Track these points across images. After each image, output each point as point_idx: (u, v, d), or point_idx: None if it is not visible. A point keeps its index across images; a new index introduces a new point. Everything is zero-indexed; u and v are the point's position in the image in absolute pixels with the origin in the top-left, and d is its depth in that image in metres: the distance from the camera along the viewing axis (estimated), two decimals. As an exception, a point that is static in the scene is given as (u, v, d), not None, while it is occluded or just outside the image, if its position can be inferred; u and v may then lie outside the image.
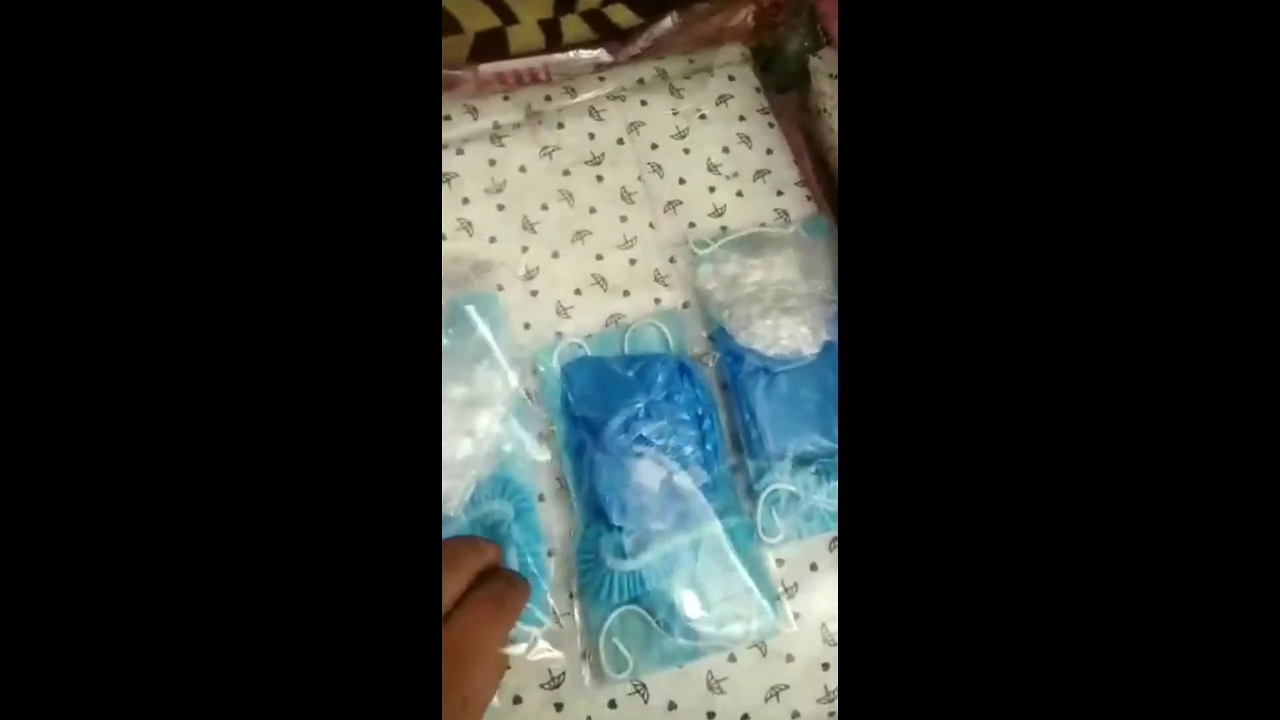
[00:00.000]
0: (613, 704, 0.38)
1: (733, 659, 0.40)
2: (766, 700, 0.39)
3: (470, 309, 0.43)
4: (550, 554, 0.41)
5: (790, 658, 0.40)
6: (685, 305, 0.46)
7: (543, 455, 0.42)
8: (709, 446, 0.41)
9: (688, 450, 0.40)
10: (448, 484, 0.40)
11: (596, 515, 0.40)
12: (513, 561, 0.38)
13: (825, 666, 0.40)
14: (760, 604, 0.39)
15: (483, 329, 0.42)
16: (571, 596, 0.40)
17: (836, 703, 0.40)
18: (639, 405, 0.41)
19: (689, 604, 0.38)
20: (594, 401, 0.41)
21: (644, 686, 0.39)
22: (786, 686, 0.40)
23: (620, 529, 0.39)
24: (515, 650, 0.38)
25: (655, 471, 0.40)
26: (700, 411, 0.42)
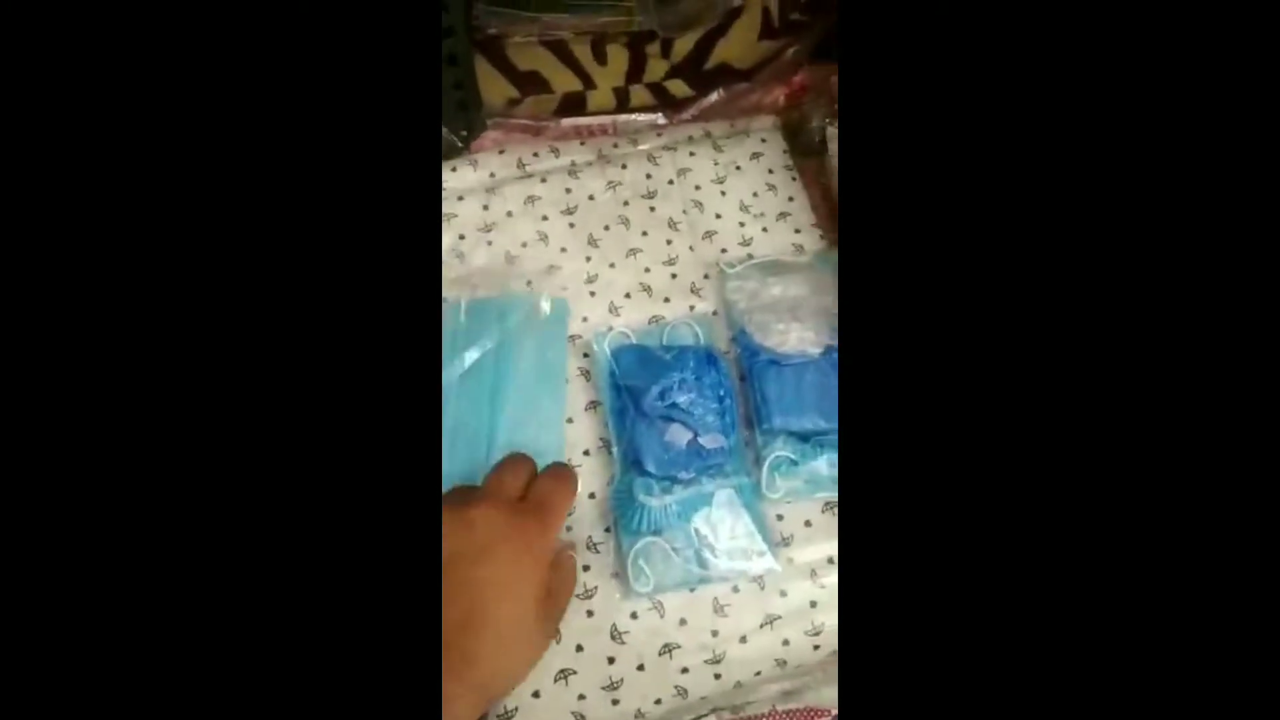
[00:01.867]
0: (634, 615, 0.47)
1: (736, 590, 0.48)
2: (761, 626, 0.47)
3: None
4: (591, 496, 0.50)
5: (784, 593, 0.48)
6: (715, 313, 0.56)
7: (588, 422, 0.52)
8: (727, 420, 0.51)
9: (710, 419, 0.50)
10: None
11: (633, 464, 0.50)
12: None
13: (813, 604, 0.48)
14: (761, 548, 0.48)
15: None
16: (608, 530, 0.49)
17: (821, 636, 0.48)
18: (675, 379, 0.50)
19: (703, 540, 0.47)
20: (636, 375, 0.51)
21: (661, 604, 0.47)
22: (779, 617, 0.48)
23: (652, 475, 0.49)
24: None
25: (683, 433, 0.49)
26: (722, 393, 0.52)
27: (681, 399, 0.50)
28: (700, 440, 0.49)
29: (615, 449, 0.51)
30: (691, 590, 0.47)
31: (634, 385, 0.51)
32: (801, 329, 0.54)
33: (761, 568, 0.48)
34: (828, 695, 0.51)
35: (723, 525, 0.48)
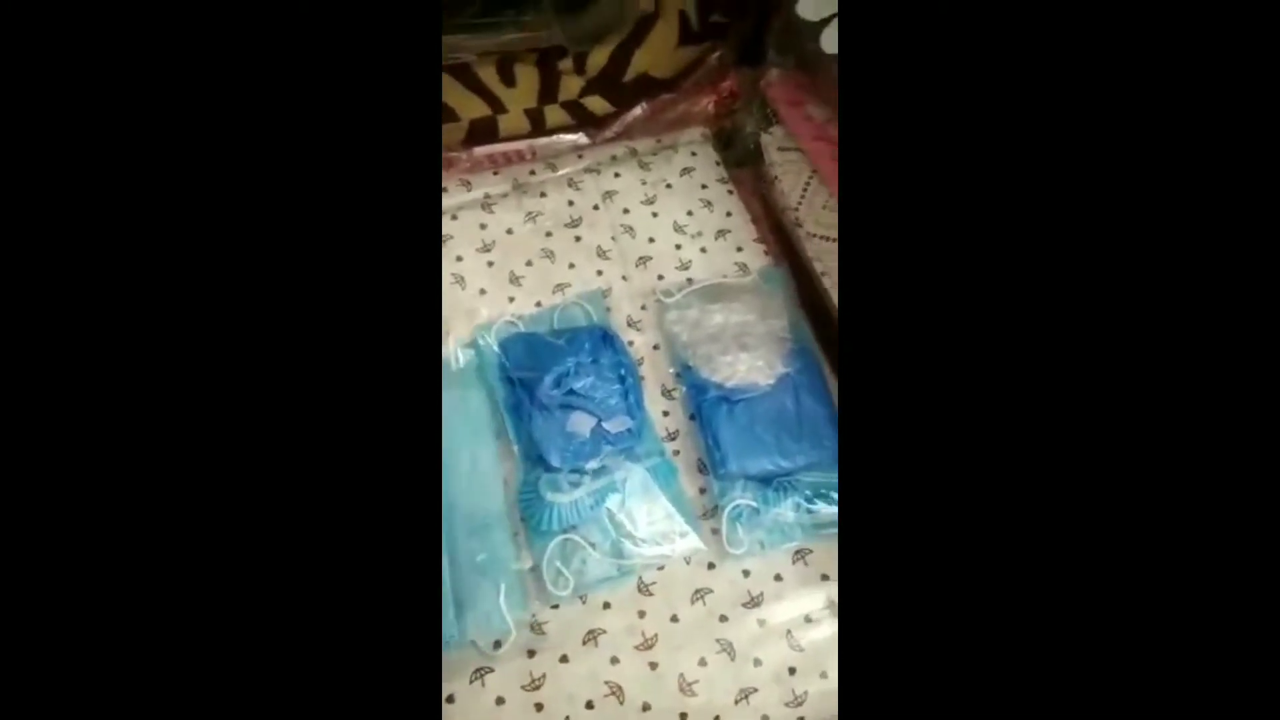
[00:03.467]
0: (590, 705, 0.41)
1: (703, 663, 0.42)
2: (736, 703, 0.42)
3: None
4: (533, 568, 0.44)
5: (758, 661, 0.43)
6: (656, 347, 0.51)
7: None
8: (631, 399, 0.46)
9: (613, 401, 0.46)
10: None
11: (537, 461, 0.45)
12: None
13: (792, 671, 0.43)
14: (683, 527, 0.44)
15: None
16: (555, 607, 0.43)
17: (804, 706, 0.42)
18: (569, 364, 0.46)
19: (620, 529, 0.43)
20: (528, 365, 0.47)
21: (620, 688, 0.41)
22: (755, 690, 0.42)
23: (558, 470, 0.44)
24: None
25: (586, 420, 0.45)
26: (623, 372, 0.47)
27: (579, 384, 0.46)
28: (605, 425, 0.45)
29: (515, 447, 0.46)
30: (616, 585, 0.43)
31: (526, 376, 0.46)
32: (751, 358, 0.48)
33: (687, 548, 0.44)
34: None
35: (639, 510, 0.44)
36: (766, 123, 0.57)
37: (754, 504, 0.45)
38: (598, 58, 0.57)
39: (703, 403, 0.47)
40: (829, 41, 0.47)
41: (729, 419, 0.47)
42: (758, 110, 0.60)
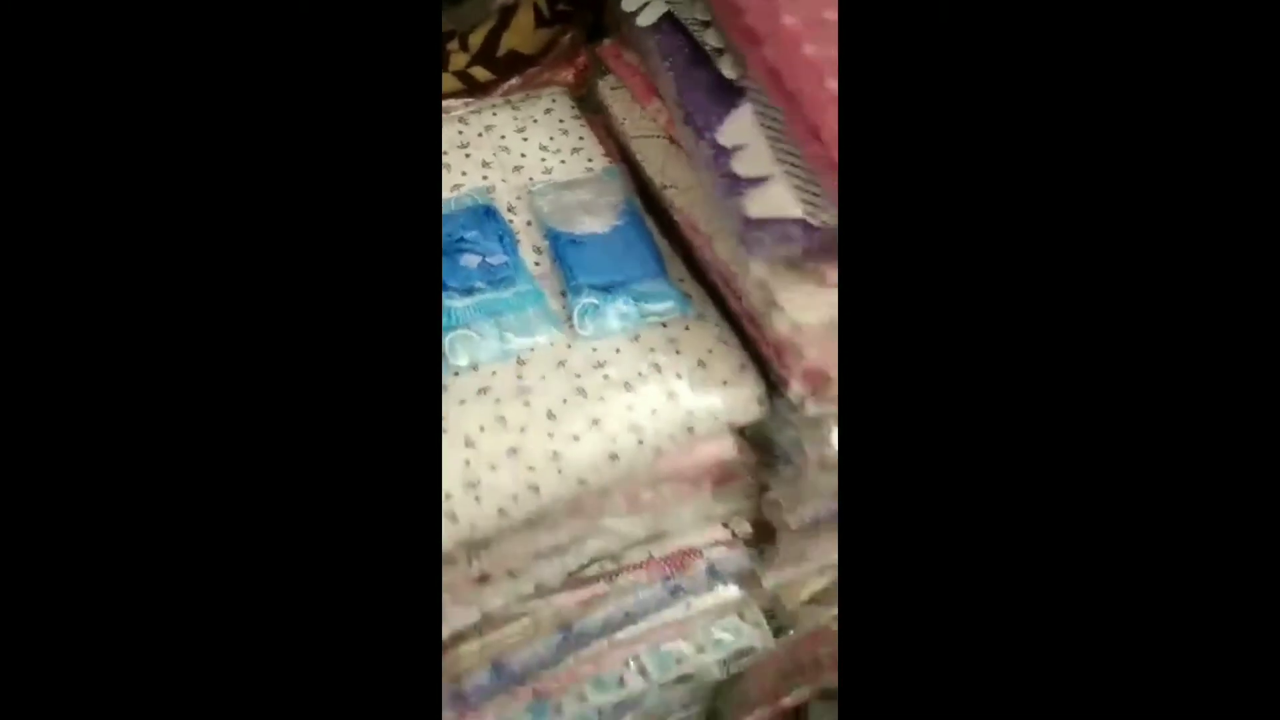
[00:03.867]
0: (456, 373, 0.60)
1: (564, 401, 0.60)
2: (591, 426, 0.59)
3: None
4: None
5: (603, 398, 0.60)
6: (529, 223, 0.70)
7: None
8: (507, 244, 0.67)
9: (494, 246, 0.66)
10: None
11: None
12: None
13: (630, 408, 0.60)
14: (548, 327, 0.63)
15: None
16: (456, 374, 0.60)
17: (644, 433, 0.60)
18: (460, 222, 0.67)
19: (500, 326, 0.62)
20: None
21: (505, 419, 0.58)
22: (600, 419, 0.59)
23: (454, 289, 0.63)
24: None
25: (473, 258, 0.65)
26: (501, 233, 0.67)
27: (468, 235, 0.66)
28: (488, 260, 0.65)
29: None
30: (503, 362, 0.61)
31: None
32: (593, 217, 0.68)
33: (552, 337, 0.63)
34: (690, 529, 0.62)
35: (514, 319, 0.63)
36: (602, 74, 0.79)
37: (596, 302, 0.63)
38: (476, 38, 0.78)
39: (558, 244, 0.66)
40: (628, 3, 0.69)
41: (578, 252, 0.66)
42: (599, 71, 0.81)
